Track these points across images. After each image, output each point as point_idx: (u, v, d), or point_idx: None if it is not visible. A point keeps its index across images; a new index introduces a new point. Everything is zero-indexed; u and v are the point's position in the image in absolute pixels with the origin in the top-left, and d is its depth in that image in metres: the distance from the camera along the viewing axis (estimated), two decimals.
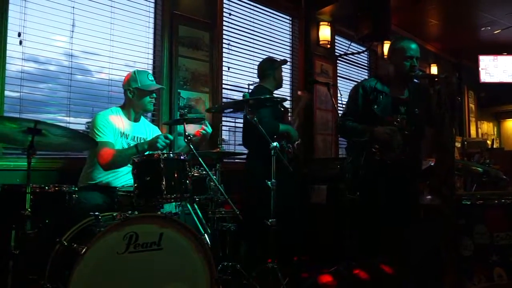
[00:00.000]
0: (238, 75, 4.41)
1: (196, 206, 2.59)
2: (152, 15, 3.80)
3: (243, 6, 4.56)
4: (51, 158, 3.04)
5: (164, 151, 2.55)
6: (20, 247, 1.89)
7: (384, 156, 2.86)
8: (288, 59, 5.03)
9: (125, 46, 3.56)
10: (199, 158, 2.43)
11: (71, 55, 3.26)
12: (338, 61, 5.63)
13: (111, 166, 2.58)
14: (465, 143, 5.92)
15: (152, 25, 3.79)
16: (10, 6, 2.91)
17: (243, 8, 4.56)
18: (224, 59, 4.27)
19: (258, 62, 3.78)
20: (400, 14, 5.55)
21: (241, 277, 2.75)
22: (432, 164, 3.01)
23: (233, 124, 4.31)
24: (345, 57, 5.75)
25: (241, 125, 3.76)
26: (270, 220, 2.65)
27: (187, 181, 2.25)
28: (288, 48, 5.11)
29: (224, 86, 4.26)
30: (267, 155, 2.74)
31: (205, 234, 2.38)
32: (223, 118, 4.14)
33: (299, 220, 4.04)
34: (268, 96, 3.40)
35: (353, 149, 3.26)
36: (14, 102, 2.96)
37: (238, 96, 4.34)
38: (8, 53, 2.90)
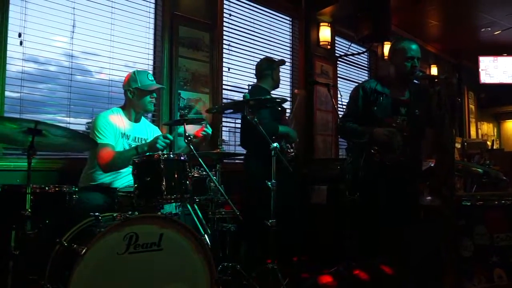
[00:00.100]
0: (238, 75, 4.41)
1: (196, 207, 2.59)
2: (152, 15, 3.80)
3: (243, 6, 4.56)
4: (51, 158, 3.04)
5: (164, 152, 2.55)
6: (20, 247, 1.89)
7: (384, 158, 2.86)
8: (288, 60, 5.05)
9: (125, 46, 3.56)
10: (199, 159, 2.43)
11: (71, 56, 3.26)
12: (338, 62, 5.63)
13: (111, 168, 2.58)
14: (465, 144, 5.92)
15: (152, 26, 3.80)
16: (11, 7, 2.92)
17: (243, 9, 4.56)
18: (224, 59, 4.27)
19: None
20: (400, 15, 5.56)
21: (241, 278, 2.75)
22: (432, 165, 3.01)
23: (233, 125, 4.31)
24: (345, 58, 5.75)
25: None
26: (270, 221, 2.65)
27: (187, 182, 2.25)
28: (288, 48, 5.11)
29: (224, 86, 4.26)
30: (267, 155, 2.74)
31: (205, 235, 2.38)
32: (223, 119, 4.14)
33: (299, 220, 4.04)
34: (268, 96, 3.40)
35: (353, 150, 3.27)
36: (14, 103, 2.96)
37: (238, 96, 4.34)
38: (9, 53, 2.90)
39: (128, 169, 2.58)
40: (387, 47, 5.96)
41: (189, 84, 3.87)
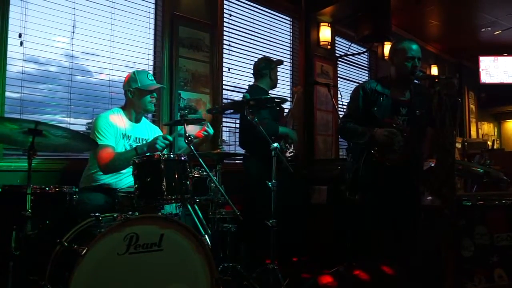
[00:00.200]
0: (239, 76, 4.41)
1: (196, 207, 2.59)
2: (152, 16, 3.80)
3: (243, 7, 4.56)
4: (51, 159, 3.04)
5: (164, 152, 2.55)
6: (20, 248, 1.89)
7: (384, 158, 2.86)
8: (288, 60, 5.06)
9: (125, 47, 3.56)
10: (200, 159, 2.43)
11: (72, 56, 3.26)
12: (338, 62, 5.63)
13: (111, 169, 2.58)
14: (466, 144, 5.91)
15: (152, 26, 3.80)
16: (11, 7, 2.92)
17: (243, 9, 4.56)
18: (224, 60, 4.27)
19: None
20: (400, 15, 5.55)
21: (241, 278, 2.75)
22: (432, 165, 3.01)
23: (233, 125, 4.31)
24: (345, 58, 5.75)
25: None
26: (270, 221, 2.65)
27: (188, 182, 2.25)
28: (289, 49, 5.11)
29: (224, 87, 4.26)
30: (267, 156, 2.74)
31: (206, 235, 2.38)
32: (224, 119, 4.15)
33: (298, 220, 4.04)
34: (268, 97, 3.40)
35: (353, 150, 3.27)
36: (15, 103, 2.96)
37: (239, 97, 4.34)
38: (9, 54, 2.91)
39: (130, 170, 2.59)
40: (387, 47, 5.96)
41: (189, 84, 3.87)
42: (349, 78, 5.91)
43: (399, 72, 2.93)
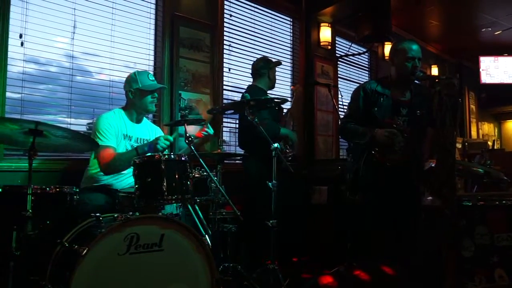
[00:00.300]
0: (239, 76, 4.41)
1: (197, 207, 2.59)
2: (153, 16, 3.80)
3: (244, 7, 4.56)
4: (52, 159, 3.04)
5: (165, 152, 2.55)
6: (21, 248, 1.89)
7: (384, 158, 2.86)
8: (289, 60, 5.06)
9: (126, 47, 3.57)
10: (200, 159, 2.43)
11: (72, 56, 3.27)
12: (338, 62, 5.63)
13: (112, 169, 2.59)
14: (466, 144, 5.91)
15: (153, 26, 3.80)
16: (12, 8, 2.92)
17: (244, 9, 4.56)
18: (225, 60, 4.28)
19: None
20: (400, 15, 5.55)
21: (241, 278, 2.76)
22: (433, 165, 3.01)
23: (233, 125, 4.31)
24: (345, 58, 5.75)
25: None
26: (271, 221, 2.65)
27: (188, 182, 2.25)
28: (289, 49, 5.11)
29: (225, 87, 4.26)
30: (267, 156, 2.75)
31: (206, 235, 2.38)
32: (224, 119, 4.15)
33: (299, 220, 4.05)
34: (269, 97, 3.41)
35: (354, 150, 3.27)
36: (15, 103, 2.97)
37: (239, 97, 4.33)
38: (10, 54, 2.91)
39: (131, 171, 2.59)
40: (387, 47, 5.96)
41: (189, 84, 3.87)
42: (350, 79, 5.91)
43: (400, 72, 2.93)
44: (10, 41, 2.91)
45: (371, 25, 4.72)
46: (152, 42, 3.79)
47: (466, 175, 3.64)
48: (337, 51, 5.64)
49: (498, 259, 2.25)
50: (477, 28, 6.58)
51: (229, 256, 2.97)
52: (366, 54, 6.13)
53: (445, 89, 2.32)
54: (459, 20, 6.26)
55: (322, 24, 5.30)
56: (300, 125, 4.99)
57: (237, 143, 4.09)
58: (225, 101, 4.24)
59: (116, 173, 2.62)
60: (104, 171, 2.59)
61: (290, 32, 5.15)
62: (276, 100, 3.00)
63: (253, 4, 4.64)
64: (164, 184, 2.15)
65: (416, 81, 3.01)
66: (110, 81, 3.46)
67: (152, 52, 3.78)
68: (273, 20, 4.90)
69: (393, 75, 2.99)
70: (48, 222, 2.11)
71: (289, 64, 5.08)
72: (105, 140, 2.59)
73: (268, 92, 3.78)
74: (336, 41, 5.62)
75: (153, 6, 3.81)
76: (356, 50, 5.90)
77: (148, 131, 2.92)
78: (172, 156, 2.41)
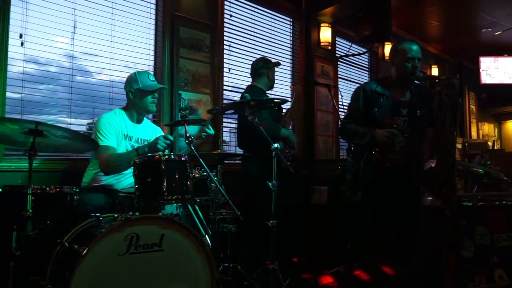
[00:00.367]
0: (239, 76, 4.41)
1: (197, 207, 2.59)
2: (153, 16, 3.80)
3: (244, 7, 4.56)
4: (52, 159, 3.04)
5: (165, 152, 2.55)
6: (21, 248, 1.89)
7: (385, 159, 2.86)
8: (289, 61, 5.07)
9: (126, 47, 3.57)
10: (200, 159, 2.43)
11: (72, 56, 3.27)
12: (338, 63, 5.63)
13: (112, 169, 2.59)
14: (466, 144, 5.91)
15: (153, 27, 3.80)
16: (12, 8, 2.92)
17: (244, 10, 4.56)
18: (225, 60, 4.28)
19: None
20: (400, 16, 5.55)
21: (241, 278, 2.76)
22: (433, 165, 3.01)
23: (234, 126, 4.32)
24: (346, 58, 5.76)
25: None
26: (271, 221, 2.65)
27: (188, 182, 2.25)
28: (289, 49, 5.11)
29: (225, 87, 4.26)
30: (267, 156, 2.75)
31: (206, 235, 2.38)
32: (224, 120, 4.15)
33: (299, 221, 4.05)
34: (269, 97, 3.41)
35: (354, 151, 3.27)
36: (16, 103, 2.97)
37: (239, 97, 4.33)
38: (10, 54, 2.91)
39: (131, 171, 2.58)
40: (387, 47, 5.96)
41: (189, 84, 3.87)
42: (350, 79, 5.92)
43: (400, 72, 2.94)
44: (10, 41, 2.91)
45: (371, 26, 4.73)
46: (152, 42, 3.79)
47: (466, 175, 3.65)
48: (337, 52, 5.64)
49: (498, 259, 2.25)
50: (477, 29, 6.58)
51: (229, 256, 2.97)
52: (366, 54, 6.13)
53: (445, 89, 2.32)
54: (459, 20, 6.26)
55: (322, 24, 5.30)
56: (300, 125, 4.99)
57: (237, 143, 4.10)
58: (225, 101, 4.24)
59: (116, 173, 2.62)
60: (104, 171, 2.59)
61: (290, 32, 5.15)
62: (276, 100, 3.00)
63: (253, 4, 4.64)
64: (164, 184, 2.15)
65: (416, 81, 3.01)
66: (110, 81, 3.46)
67: (152, 52, 3.78)
68: (273, 20, 4.90)
69: (393, 75, 3.00)
70: (48, 222, 2.11)
71: (289, 64, 5.08)
72: (106, 140, 2.59)
73: (268, 92, 3.78)
74: (336, 41, 5.62)
75: (153, 6, 3.81)
76: (356, 50, 5.90)
77: (149, 131, 2.92)
78: (172, 156, 2.41)
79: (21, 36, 2.98)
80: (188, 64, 3.87)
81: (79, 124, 3.32)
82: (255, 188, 3.22)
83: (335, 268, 3.29)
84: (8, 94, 2.90)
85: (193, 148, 2.45)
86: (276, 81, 3.88)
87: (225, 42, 4.30)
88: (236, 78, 4.39)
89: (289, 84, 5.05)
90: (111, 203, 2.46)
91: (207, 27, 4.04)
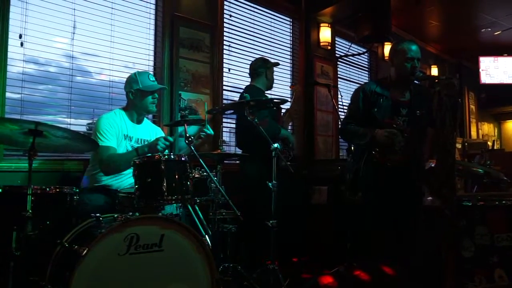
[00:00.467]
0: (239, 76, 4.41)
1: (197, 208, 2.59)
2: (152, 16, 3.80)
3: (244, 7, 4.56)
4: (52, 159, 3.03)
5: (165, 153, 2.55)
6: (21, 248, 1.89)
7: (385, 159, 2.86)
8: (289, 61, 5.07)
9: (125, 47, 3.57)
10: (200, 160, 2.43)
11: (72, 57, 3.27)
12: (338, 63, 5.63)
13: (112, 170, 2.59)
14: (466, 144, 5.92)
15: (152, 27, 3.80)
16: (11, 8, 2.92)
17: (244, 10, 4.56)
18: (224, 60, 4.28)
19: None
20: (400, 16, 5.55)
21: (241, 278, 2.75)
22: (433, 165, 3.01)
23: (233, 126, 4.31)
24: (345, 58, 5.76)
25: None
26: (270, 221, 2.65)
27: (188, 183, 2.25)
28: (289, 49, 5.11)
29: (224, 87, 4.26)
30: (267, 156, 2.74)
31: (206, 235, 2.38)
32: (224, 120, 4.15)
33: (299, 221, 4.05)
34: (269, 98, 3.41)
35: (354, 151, 3.27)
36: (15, 104, 2.97)
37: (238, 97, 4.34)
38: (9, 54, 2.91)
39: (131, 171, 2.58)
40: (387, 47, 5.96)
41: (189, 85, 3.87)
42: (349, 79, 5.92)
43: (399, 72, 2.94)
44: (10, 41, 2.91)
45: (371, 25, 4.73)
46: (152, 42, 3.79)
47: (466, 175, 3.65)
48: (337, 52, 5.64)
49: (498, 259, 2.26)
50: (477, 28, 6.59)
51: (229, 256, 2.97)
52: (366, 54, 6.13)
53: (445, 89, 2.32)
54: (459, 20, 6.26)
55: (322, 25, 5.30)
56: (300, 125, 5.00)
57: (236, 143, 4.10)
58: (225, 101, 4.23)
59: (116, 173, 2.62)
60: (104, 172, 2.59)
61: (290, 32, 5.15)
62: (276, 100, 3.00)
63: (252, 4, 4.64)
64: (164, 184, 2.15)
65: (415, 82, 3.02)
66: (110, 81, 3.46)
67: (152, 53, 3.78)
68: (272, 20, 4.90)
69: (393, 75, 3.00)
70: (48, 222, 2.11)
71: (288, 64, 5.08)
72: (106, 141, 2.59)
73: (268, 92, 3.78)
74: (336, 42, 5.62)
75: (153, 7, 3.81)
76: (356, 50, 5.90)
77: (149, 131, 2.92)
78: (172, 156, 2.41)
79: (20, 36, 2.98)
80: (188, 64, 3.87)
81: (79, 125, 3.32)
82: (255, 188, 3.22)
83: (335, 268, 3.29)
84: (7, 94, 2.90)
85: (193, 148, 2.45)
86: (275, 81, 3.89)
87: (224, 42, 4.30)
88: (236, 78, 4.39)
89: (289, 84, 5.05)
90: (111, 204, 2.46)
91: (207, 27, 4.04)
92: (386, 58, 5.93)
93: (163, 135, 2.90)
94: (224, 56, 4.28)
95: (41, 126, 1.94)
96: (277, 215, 2.68)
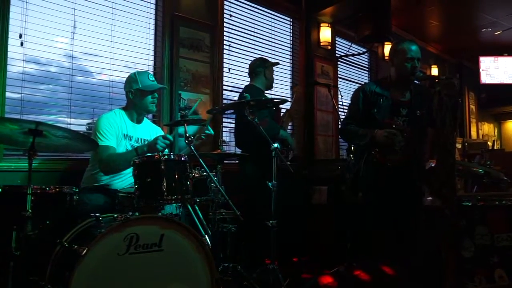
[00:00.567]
0: (239, 76, 4.41)
1: (196, 207, 2.59)
2: (152, 16, 3.80)
3: (244, 7, 4.56)
4: (52, 159, 3.04)
5: (165, 152, 2.55)
6: (20, 248, 1.89)
7: (385, 159, 2.86)
8: (289, 60, 5.06)
9: (125, 47, 3.56)
10: (200, 159, 2.43)
11: (72, 57, 3.27)
12: (338, 62, 5.63)
13: (111, 169, 2.59)
14: (466, 144, 5.92)
15: (152, 27, 3.80)
16: (12, 8, 2.92)
17: (244, 10, 4.56)
18: (225, 60, 4.28)
19: None
20: (400, 16, 5.55)
21: (241, 278, 2.75)
22: (433, 165, 3.01)
23: (233, 126, 4.31)
24: (345, 58, 5.75)
25: None
26: (270, 221, 2.65)
27: (188, 182, 2.25)
28: (289, 49, 5.11)
29: (225, 87, 4.26)
30: (267, 156, 2.74)
31: (206, 235, 2.38)
32: (224, 119, 4.15)
33: (299, 220, 4.04)
34: (269, 98, 3.40)
35: (354, 151, 3.27)
36: (15, 103, 2.96)
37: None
38: (9, 54, 2.91)
39: (131, 171, 2.58)
40: (387, 47, 5.96)
41: (189, 84, 3.87)
42: (350, 79, 5.91)
43: (399, 72, 2.94)
44: (10, 41, 2.91)
45: (371, 25, 4.73)
46: (152, 42, 3.79)
47: (466, 175, 3.65)
48: (337, 51, 5.64)
49: (498, 259, 2.26)
50: (477, 28, 6.59)
51: (229, 256, 2.97)
52: (366, 54, 6.13)
53: (445, 89, 2.32)
54: (459, 20, 6.26)
55: (322, 24, 5.30)
56: (300, 125, 5.00)
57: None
58: (225, 101, 4.23)
59: (115, 173, 2.62)
60: (103, 171, 2.59)
61: (290, 32, 5.15)
62: (275, 100, 3.00)
63: (253, 4, 4.64)
64: (164, 184, 2.15)
65: (416, 81, 3.01)
66: (110, 81, 3.45)
67: (152, 52, 3.78)
68: (273, 20, 4.90)
69: (393, 75, 3.00)
70: (48, 222, 2.11)
71: (289, 64, 5.08)
72: (105, 140, 2.59)
73: (268, 92, 3.78)
74: (336, 41, 5.62)
75: (153, 6, 3.81)
76: (356, 50, 5.90)
77: (149, 131, 2.92)
78: (172, 156, 2.41)
79: (20, 36, 2.98)
80: (188, 64, 3.87)
81: (79, 124, 3.32)
82: (255, 188, 3.22)
83: (335, 268, 3.29)
84: (8, 94, 2.90)
85: (193, 148, 2.45)
86: (276, 81, 3.89)
87: (225, 42, 4.30)
88: (236, 78, 4.39)
89: (289, 84, 5.05)
90: (110, 203, 2.46)
91: (207, 27, 4.03)
92: (386, 58, 5.93)
93: (163, 134, 2.90)
94: (224, 56, 4.27)
95: (41, 126, 1.94)
96: (277, 215, 2.68)
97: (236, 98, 4.32)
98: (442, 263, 2.21)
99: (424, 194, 3.10)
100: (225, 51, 4.29)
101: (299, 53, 5.13)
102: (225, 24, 4.32)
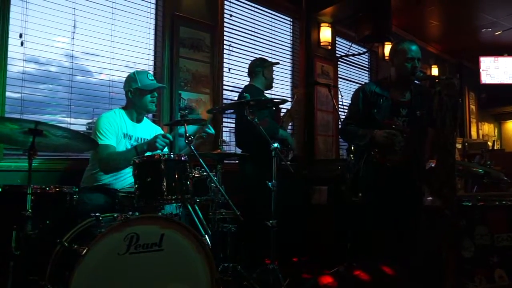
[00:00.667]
0: (239, 76, 4.41)
1: (196, 207, 2.59)
2: (153, 16, 3.80)
3: (244, 7, 4.56)
4: (52, 159, 3.04)
5: (165, 152, 2.55)
6: (20, 248, 1.89)
7: (385, 159, 2.86)
8: (289, 60, 5.06)
9: (126, 47, 3.56)
10: (200, 159, 2.43)
11: (72, 56, 3.26)
12: (339, 62, 5.63)
13: (111, 168, 2.59)
14: (466, 144, 5.92)
15: (153, 26, 3.80)
16: (12, 7, 2.92)
17: (244, 9, 4.56)
18: (225, 60, 4.28)
19: None
20: (400, 16, 5.55)
21: (241, 278, 2.75)
22: (433, 165, 3.01)
23: (233, 125, 4.31)
24: (346, 58, 5.75)
25: None
26: (270, 221, 2.65)
27: (188, 182, 2.25)
28: (289, 49, 5.11)
29: (225, 87, 4.26)
30: (267, 156, 2.74)
31: (206, 235, 2.38)
32: (224, 119, 4.15)
33: (299, 220, 4.04)
34: (269, 98, 3.40)
35: (354, 151, 3.27)
36: (15, 103, 2.96)
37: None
38: (9, 54, 2.91)
39: (131, 170, 2.58)
40: (387, 47, 5.96)
41: (189, 84, 3.87)
42: (350, 79, 5.92)
43: (399, 73, 2.94)
44: (10, 41, 2.91)
45: (371, 25, 4.73)
46: (152, 42, 3.79)
47: (466, 175, 3.65)
48: (337, 51, 5.64)
49: (498, 259, 2.25)
50: (477, 28, 6.59)
51: (229, 256, 2.97)
52: (366, 54, 6.13)
53: (445, 89, 2.31)
54: (459, 20, 6.26)
55: (322, 24, 5.30)
56: (300, 125, 5.00)
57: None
58: (225, 101, 4.23)
59: (115, 171, 2.62)
60: (103, 170, 2.59)
61: (290, 32, 5.15)
62: (275, 100, 3.00)
63: (253, 4, 4.64)
64: (164, 184, 2.15)
65: (416, 82, 3.01)
66: (110, 81, 3.45)
67: (152, 52, 3.78)
68: (273, 20, 4.90)
69: (393, 75, 3.00)
70: (48, 221, 2.11)
71: (289, 64, 5.08)
72: (105, 139, 2.59)
73: (268, 92, 3.78)
74: (336, 41, 5.62)
75: (153, 6, 3.81)
76: (356, 50, 5.90)
77: (149, 130, 2.92)
78: (172, 156, 2.41)
79: (21, 35, 2.98)
80: (188, 64, 3.87)
81: (79, 124, 3.32)
82: (255, 188, 3.22)
83: (335, 268, 3.29)
84: (8, 94, 2.90)
85: (193, 148, 2.45)
86: (276, 81, 3.88)
87: (225, 42, 4.30)
88: (236, 78, 4.39)
89: (289, 84, 5.05)
90: (110, 203, 2.46)
91: (207, 27, 4.03)
92: (386, 58, 5.93)
93: (162, 133, 2.90)
94: (225, 56, 4.27)
95: (41, 126, 1.94)
96: (277, 215, 2.68)
97: (236, 98, 4.32)
98: (442, 263, 2.21)
99: (424, 194, 3.10)
100: (225, 51, 4.29)
101: (299, 53, 5.13)
102: (225, 24, 4.32)
